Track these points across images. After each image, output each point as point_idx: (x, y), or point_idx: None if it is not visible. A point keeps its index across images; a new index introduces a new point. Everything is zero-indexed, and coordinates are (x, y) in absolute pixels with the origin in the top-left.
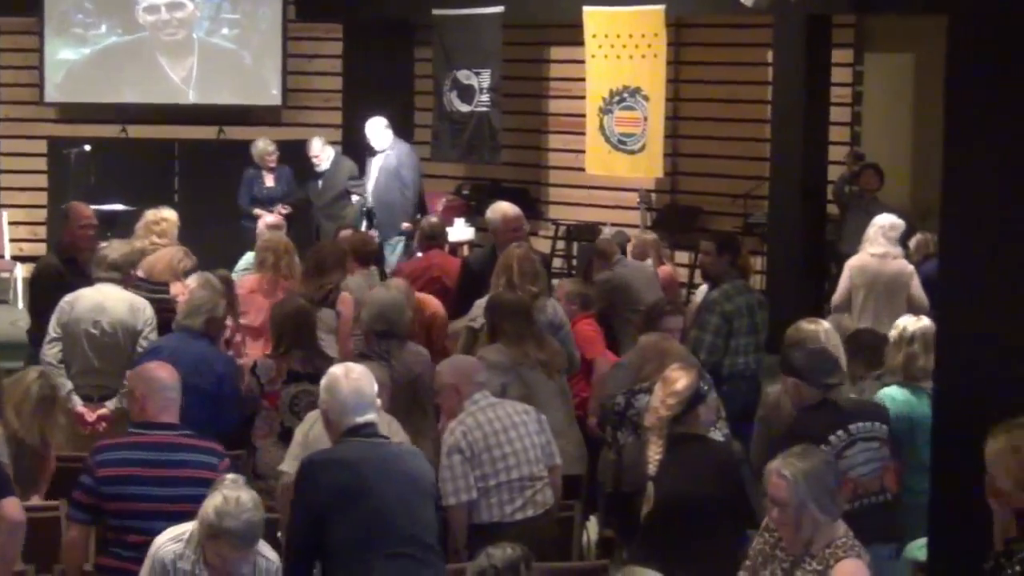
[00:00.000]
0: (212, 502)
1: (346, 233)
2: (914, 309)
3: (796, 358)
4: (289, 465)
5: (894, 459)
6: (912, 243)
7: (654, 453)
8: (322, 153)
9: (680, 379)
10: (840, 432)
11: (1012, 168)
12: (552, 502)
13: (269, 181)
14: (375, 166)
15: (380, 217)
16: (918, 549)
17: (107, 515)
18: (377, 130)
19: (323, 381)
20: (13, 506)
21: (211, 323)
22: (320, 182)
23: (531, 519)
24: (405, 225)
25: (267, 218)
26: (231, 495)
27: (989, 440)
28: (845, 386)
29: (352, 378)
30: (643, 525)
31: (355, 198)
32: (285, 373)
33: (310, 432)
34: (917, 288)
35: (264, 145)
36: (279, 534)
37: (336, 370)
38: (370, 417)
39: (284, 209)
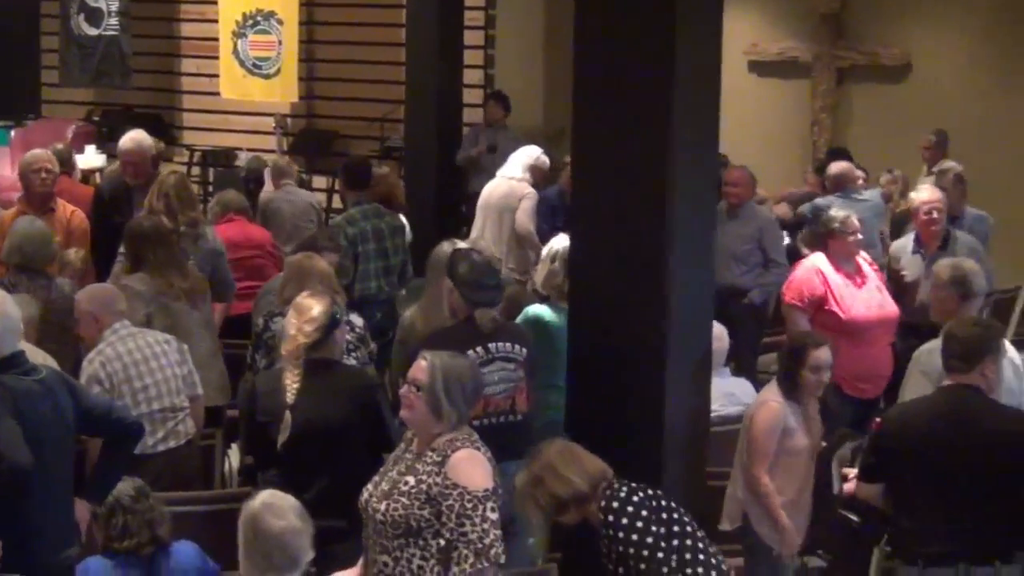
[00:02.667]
0: None
1: None
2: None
3: (460, 266)
4: None
5: (528, 381)
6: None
7: (291, 381)
8: None
9: (314, 306)
10: (479, 348)
11: (638, 89)
12: (193, 432)
13: None
14: None
15: None
16: None
17: None
18: None
19: None
20: None
21: None
22: None
23: (172, 450)
24: None
25: None
26: None
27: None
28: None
29: None
30: (280, 452)
31: None
32: None
33: None
34: (521, 212)
35: None
36: None
37: None
38: (17, 345)
39: None
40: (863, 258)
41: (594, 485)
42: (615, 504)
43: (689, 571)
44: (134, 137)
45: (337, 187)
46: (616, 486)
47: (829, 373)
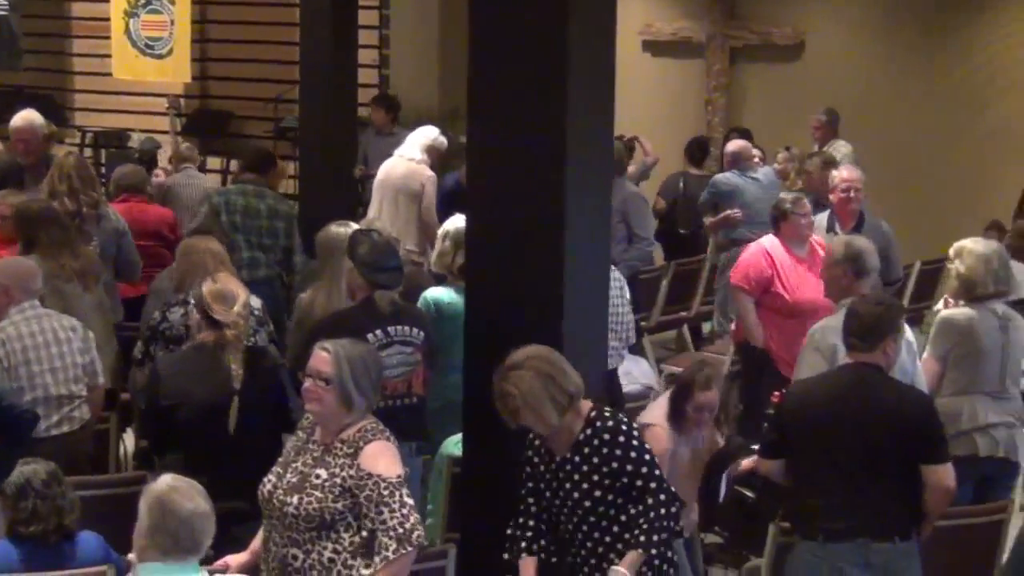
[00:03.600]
0: None
1: None
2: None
3: (360, 247)
4: None
5: (425, 364)
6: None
7: (239, 368)
8: None
9: (239, 291)
10: (378, 332)
11: (533, 65)
12: (88, 418)
13: None
14: None
15: None
16: (454, 445)
17: None
18: None
19: None
20: None
21: None
22: None
23: (66, 435)
24: None
25: None
26: None
27: (511, 378)
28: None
29: None
30: (182, 435)
31: None
32: None
33: None
34: (427, 200)
35: None
36: None
37: None
38: None
39: None
40: (816, 240)
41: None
42: (616, 419)
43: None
44: (25, 116)
45: (233, 168)
46: (598, 404)
47: (713, 414)
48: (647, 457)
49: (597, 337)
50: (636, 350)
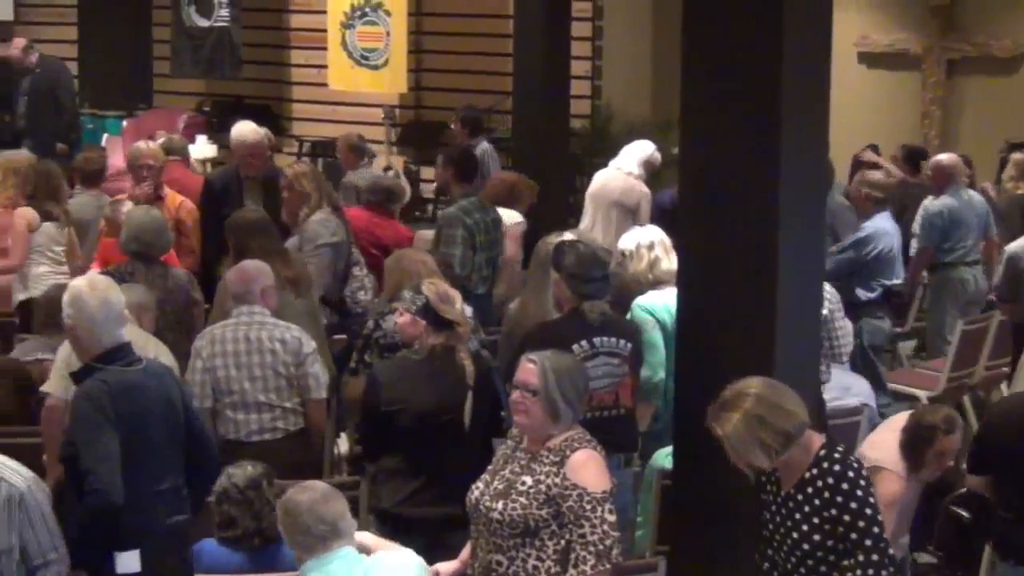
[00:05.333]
0: None
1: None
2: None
3: (567, 258)
4: (53, 386)
5: (632, 375)
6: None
7: (469, 364)
8: None
9: (455, 292)
10: (584, 343)
11: (746, 79)
12: (294, 429)
13: None
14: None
15: (33, 140)
16: (664, 457)
17: None
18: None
19: (66, 296)
20: None
21: None
22: None
23: (267, 442)
24: (60, 146)
25: None
26: None
27: (720, 419)
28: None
29: (99, 290)
30: (401, 441)
31: None
32: None
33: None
34: (643, 217)
35: None
36: (44, 457)
37: (79, 283)
38: (122, 336)
39: None
40: None
41: (807, 418)
42: (845, 463)
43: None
44: (255, 130)
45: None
46: (830, 442)
47: (952, 459)
48: (868, 511)
49: (810, 352)
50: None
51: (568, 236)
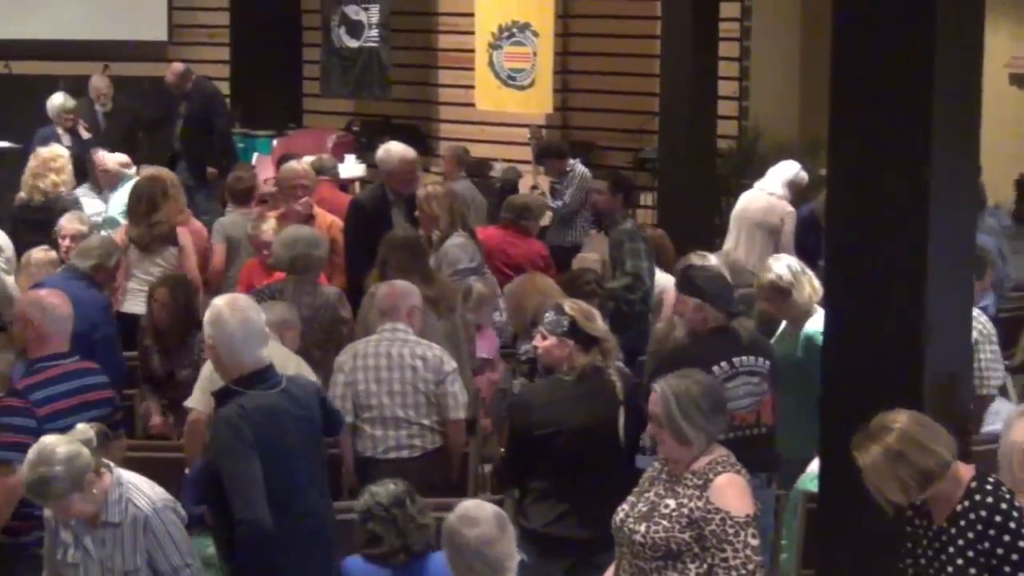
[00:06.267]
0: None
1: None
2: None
3: (700, 279)
4: (196, 401)
5: (772, 392)
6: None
7: (617, 380)
8: (108, 91)
9: (594, 309)
10: (724, 363)
11: (897, 100)
12: (431, 448)
13: (66, 142)
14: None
15: (187, 163)
16: (810, 480)
17: None
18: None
19: (207, 315)
20: None
21: (99, 269)
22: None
23: (405, 460)
24: (211, 170)
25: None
26: (47, 445)
27: (862, 449)
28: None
29: (239, 310)
30: (548, 463)
31: None
32: None
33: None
34: (786, 237)
35: (63, 101)
36: (187, 470)
37: (220, 302)
38: (264, 357)
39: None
40: None
41: (953, 456)
42: (997, 494)
43: None
44: (405, 150)
45: (590, 200)
46: (980, 473)
47: None
48: (1022, 543)
49: (959, 378)
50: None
51: (710, 257)
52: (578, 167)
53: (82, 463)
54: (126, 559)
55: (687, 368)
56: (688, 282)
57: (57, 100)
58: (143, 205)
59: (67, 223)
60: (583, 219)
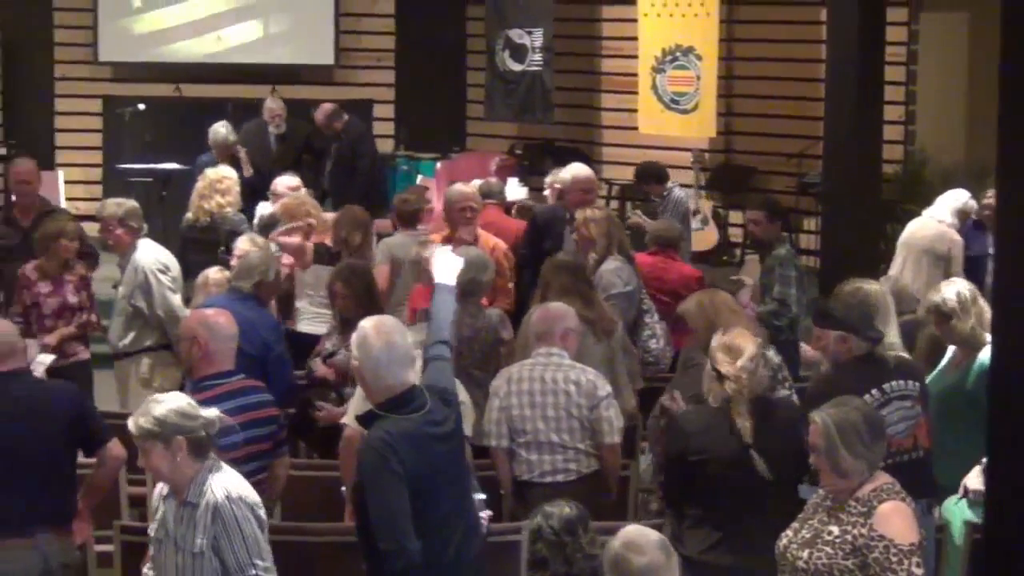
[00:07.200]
0: None
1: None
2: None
3: (838, 311)
4: (351, 418)
5: (925, 414)
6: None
7: (744, 420)
8: (282, 113)
9: (747, 344)
10: (875, 391)
11: None
12: (588, 472)
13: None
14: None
15: (334, 203)
16: (954, 505)
17: None
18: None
19: (354, 337)
20: (118, 445)
21: (261, 286)
22: (275, 146)
23: (560, 484)
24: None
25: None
26: (168, 396)
27: None
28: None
29: (384, 332)
30: (705, 490)
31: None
32: None
33: None
34: (956, 265)
35: (225, 134)
36: (343, 489)
37: (366, 324)
38: (409, 379)
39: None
40: None
41: None
42: None
43: None
44: (583, 168)
45: (748, 228)
46: None
47: None
48: None
49: None
50: None
51: (872, 284)
52: (675, 192)
53: (180, 423)
54: (195, 541)
55: (842, 397)
56: (826, 315)
57: (221, 132)
58: (360, 236)
59: (241, 244)
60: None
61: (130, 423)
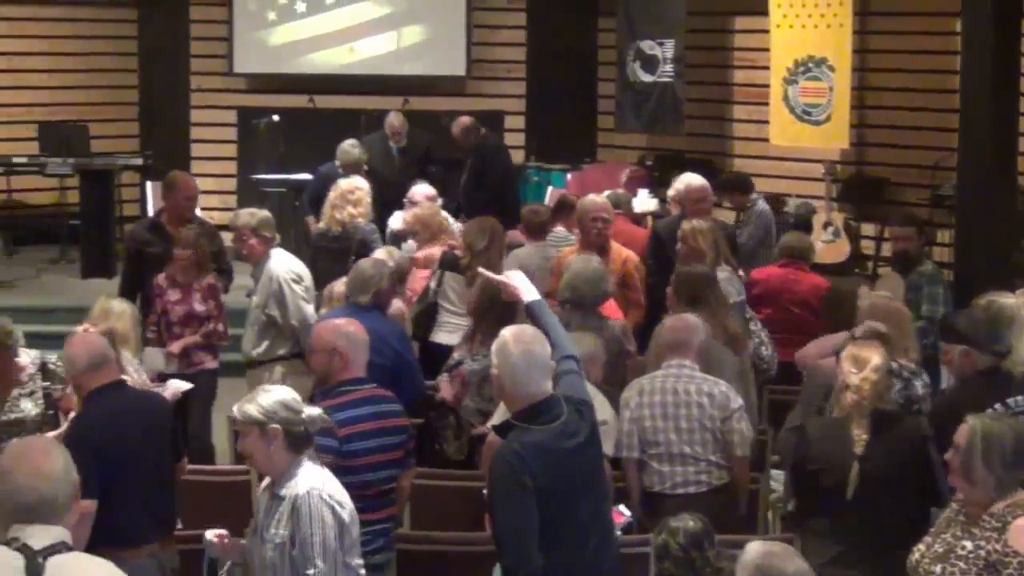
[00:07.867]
0: None
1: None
2: None
3: (962, 325)
4: (497, 421)
5: None
6: None
7: (862, 432)
8: (403, 129)
9: (873, 356)
10: (998, 406)
11: None
12: (718, 484)
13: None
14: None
15: (467, 216)
16: None
17: (343, 473)
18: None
19: (494, 345)
20: (186, 462)
21: (378, 295)
22: (398, 159)
23: (691, 496)
24: None
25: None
26: (277, 387)
27: None
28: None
29: (523, 341)
30: (842, 502)
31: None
32: None
33: None
34: None
35: (358, 155)
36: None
37: (506, 332)
38: (547, 388)
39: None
40: None
41: None
42: None
43: None
44: (696, 178)
45: (887, 234)
46: None
47: None
48: None
49: None
50: None
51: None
52: (759, 204)
53: (282, 413)
54: (277, 531)
55: (996, 414)
56: (950, 330)
57: (352, 153)
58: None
59: (378, 256)
60: (762, 257)
61: (235, 409)
